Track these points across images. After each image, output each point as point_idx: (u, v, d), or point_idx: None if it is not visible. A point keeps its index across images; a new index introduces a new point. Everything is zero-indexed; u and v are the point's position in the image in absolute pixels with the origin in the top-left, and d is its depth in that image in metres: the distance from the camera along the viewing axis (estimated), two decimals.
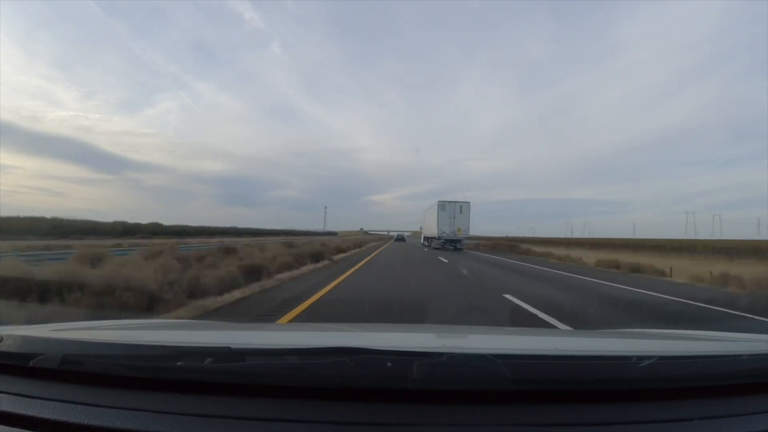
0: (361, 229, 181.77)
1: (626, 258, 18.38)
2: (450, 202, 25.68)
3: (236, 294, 6.21)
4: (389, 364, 0.85)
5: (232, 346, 0.95)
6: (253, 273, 8.00)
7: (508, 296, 6.66)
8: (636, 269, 14.43)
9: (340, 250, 18.31)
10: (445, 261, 15.71)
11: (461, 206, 25.69)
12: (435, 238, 25.95)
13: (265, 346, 1.11)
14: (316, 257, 13.04)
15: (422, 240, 33.86)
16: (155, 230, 53.23)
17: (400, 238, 63.82)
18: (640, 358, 0.90)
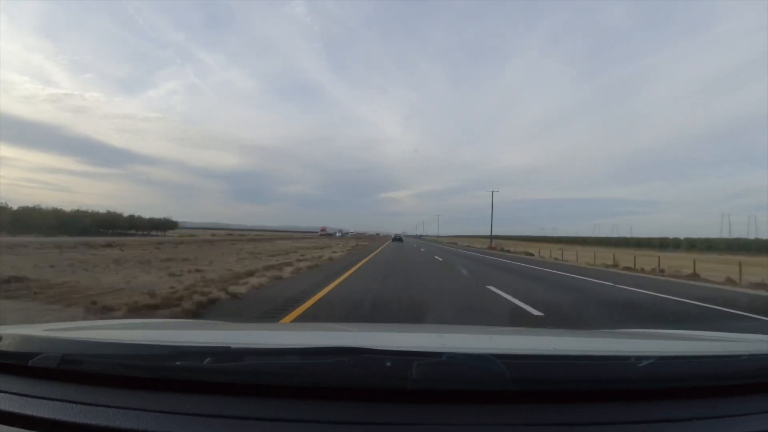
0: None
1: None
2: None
3: None
4: (389, 364, 0.85)
5: (231, 346, 0.95)
6: None
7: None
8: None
9: None
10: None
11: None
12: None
13: (264, 346, 1.11)
14: None
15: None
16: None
17: (398, 239, 63.81)
18: (640, 358, 0.90)
